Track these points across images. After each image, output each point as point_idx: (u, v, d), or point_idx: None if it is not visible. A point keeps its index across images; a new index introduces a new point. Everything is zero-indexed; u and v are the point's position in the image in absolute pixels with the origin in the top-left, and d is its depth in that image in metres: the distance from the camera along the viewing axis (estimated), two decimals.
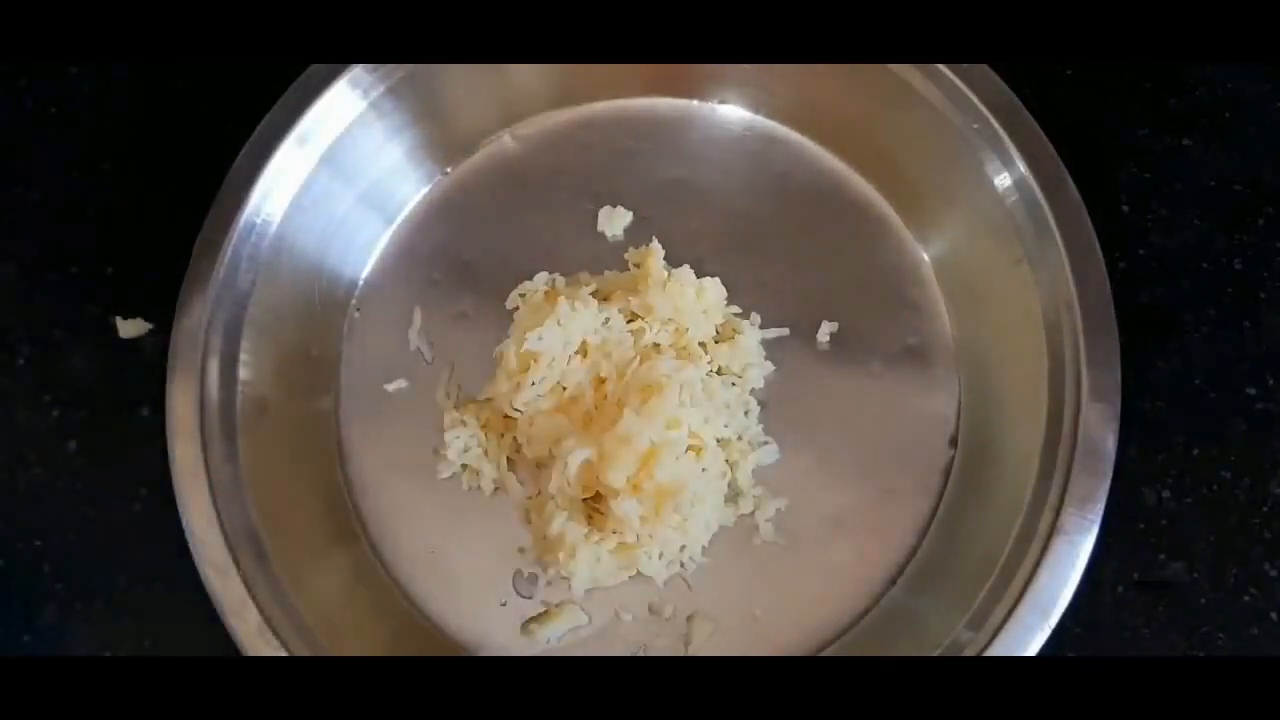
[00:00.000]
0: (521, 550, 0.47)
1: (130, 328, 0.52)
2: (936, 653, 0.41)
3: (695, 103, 0.54)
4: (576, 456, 0.45)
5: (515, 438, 0.48)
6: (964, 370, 0.49)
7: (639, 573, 0.46)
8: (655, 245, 0.49)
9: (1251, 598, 0.46)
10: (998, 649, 0.40)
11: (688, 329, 0.48)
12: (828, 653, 0.45)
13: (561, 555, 0.45)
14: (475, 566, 0.47)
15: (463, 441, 0.48)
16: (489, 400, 0.49)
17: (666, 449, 0.44)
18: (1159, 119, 0.53)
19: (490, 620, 0.47)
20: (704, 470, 0.46)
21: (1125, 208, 0.52)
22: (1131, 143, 0.53)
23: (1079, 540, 0.40)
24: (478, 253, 0.52)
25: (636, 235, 0.52)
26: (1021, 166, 0.45)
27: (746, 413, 0.48)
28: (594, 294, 0.49)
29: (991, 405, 0.48)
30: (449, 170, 0.54)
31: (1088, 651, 0.45)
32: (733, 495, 0.47)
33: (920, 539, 0.47)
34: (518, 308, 0.50)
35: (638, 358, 0.47)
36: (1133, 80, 0.54)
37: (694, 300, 0.48)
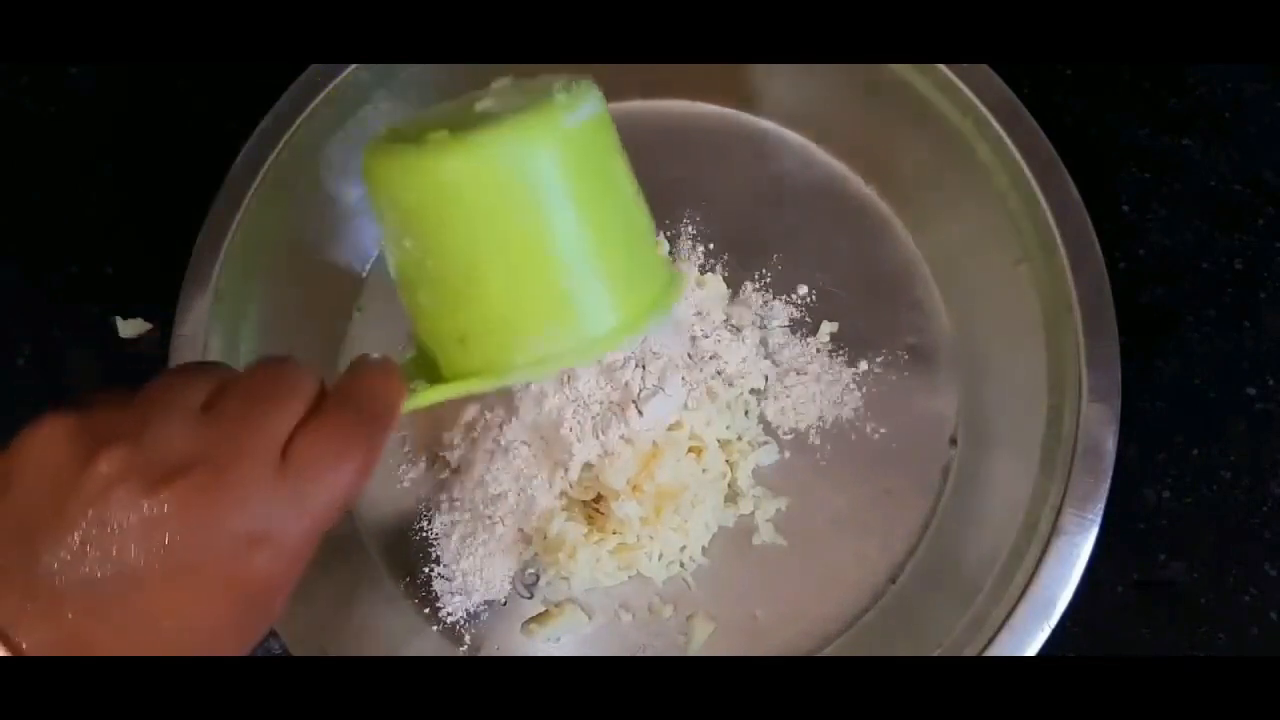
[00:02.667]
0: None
1: (130, 328, 0.52)
2: (936, 653, 0.41)
3: (695, 103, 0.54)
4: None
5: None
6: (964, 370, 0.49)
7: (639, 573, 0.46)
8: None
9: (1251, 598, 0.46)
10: (998, 649, 0.40)
11: None
12: (827, 653, 0.45)
13: (561, 555, 0.45)
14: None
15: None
16: None
17: (667, 450, 0.44)
18: (1159, 119, 0.53)
19: (490, 620, 0.47)
20: (704, 471, 0.46)
21: (1125, 208, 0.52)
22: (1131, 143, 0.53)
23: (1079, 540, 0.40)
24: None
25: None
26: (1022, 166, 0.45)
27: (746, 413, 0.48)
28: None
29: (991, 405, 0.48)
30: None
31: (1088, 651, 0.45)
32: (733, 495, 0.47)
33: (920, 539, 0.47)
34: None
35: None
36: (1133, 80, 0.54)
37: None
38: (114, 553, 0.26)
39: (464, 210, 0.31)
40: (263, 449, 0.28)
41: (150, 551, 0.26)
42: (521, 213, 0.31)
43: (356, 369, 0.32)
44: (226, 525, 0.27)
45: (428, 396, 0.33)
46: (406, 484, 0.49)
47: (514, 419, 0.46)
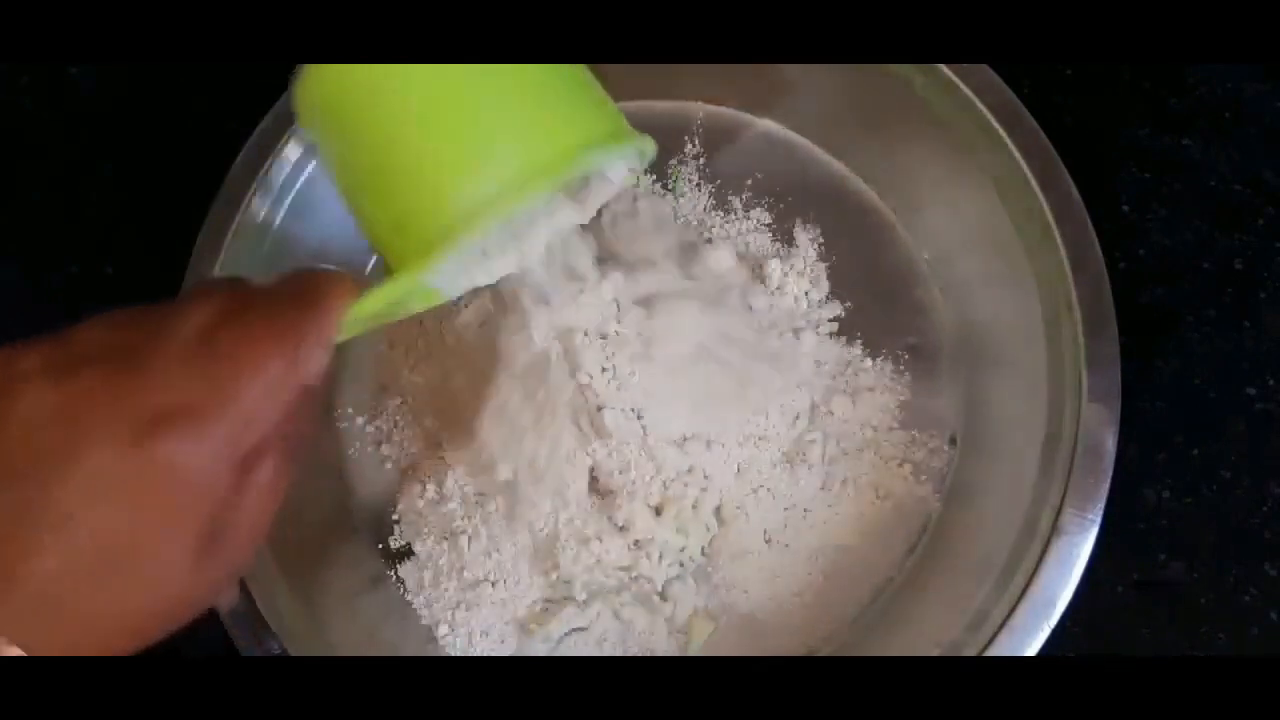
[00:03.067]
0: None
1: None
2: (936, 653, 0.41)
3: (695, 103, 0.54)
4: None
5: None
6: (964, 370, 0.49)
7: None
8: None
9: (1251, 598, 0.46)
10: (998, 649, 0.40)
11: None
12: (827, 653, 0.45)
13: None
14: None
15: None
16: None
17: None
18: (1159, 119, 0.53)
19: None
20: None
21: (1125, 208, 0.52)
22: (1131, 143, 0.53)
23: (1079, 540, 0.40)
24: None
25: None
26: (1022, 166, 0.45)
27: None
28: None
29: (991, 405, 0.48)
30: None
31: (1088, 651, 0.45)
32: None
33: (920, 539, 0.47)
34: None
35: None
36: (1133, 80, 0.54)
37: None
38: (29, 451, 0.25)
39: (363, 81, 0.31)
40: (175, 333, 0.27)
41: (61, 441, 0.25)
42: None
43: (295, 269, 0.31)
44: (131, 403, 0.26)
45: (377, 296, 0.32)
46: (408, 484, 0.49)
47: (517, 414, 0.46)
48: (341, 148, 0.33)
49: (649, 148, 0.35)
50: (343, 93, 0.32)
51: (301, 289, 0.30)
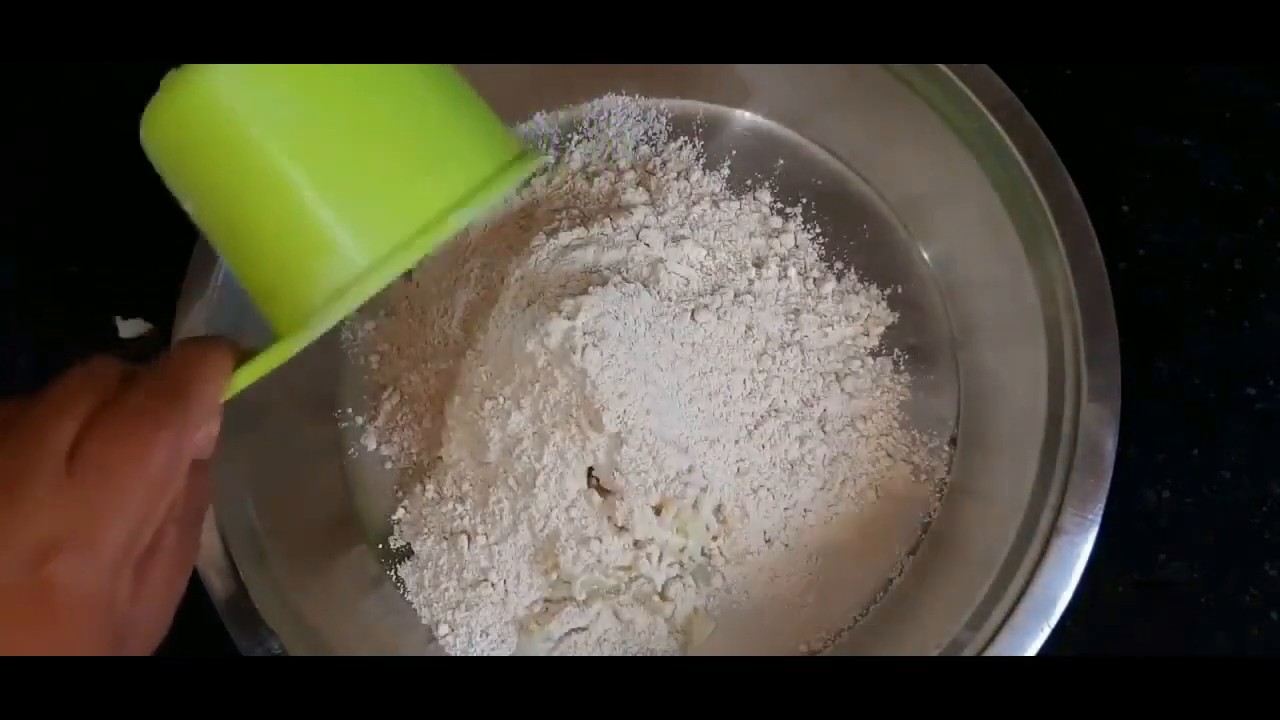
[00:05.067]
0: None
1: (130, 328, 0.52)
2: (936, 653, 0.41)
3: (695, 102, 0.54)
4: None
5: None
6: (964, 370, 0.49)
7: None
8: None
9: (1251, 598, 0.46)
10: (998, 649, 0.40)
11: None
12: (828, 653, 0.45)
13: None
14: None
15: None
16: None
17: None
18: (1159, 119, 0.53)
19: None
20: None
21: (1125, 208, 0.52)
22: (1131, 143, 0.53)
23: (1079, 540, 0.40)
24: None
25: None
26: (1022, 166, 0.45)
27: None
28: None
29: (991, 406, 0.48)
30: None
31: (1088, 651, 0.45)
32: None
33: (920, 539, 0.47)
34: None
35: None
36: (1133, 80, 0.54)
37: None
38: None
39: (204, 140, 0.29)
40: (43, 455, 0.27)
41: None
42: (265, 121, 0.28)
43: (166, 352, 0.31)
44: (13, 539, 0.26)
45: (259, 364, 0.30)
46: (408, 484, 0.49)
47: (516, 414, 0.46)
48: (191, 205, 0.31)
49: (532, 168, 0.32)
50: (172, 145, 0.29)
51: (161, 378, 0.29)
